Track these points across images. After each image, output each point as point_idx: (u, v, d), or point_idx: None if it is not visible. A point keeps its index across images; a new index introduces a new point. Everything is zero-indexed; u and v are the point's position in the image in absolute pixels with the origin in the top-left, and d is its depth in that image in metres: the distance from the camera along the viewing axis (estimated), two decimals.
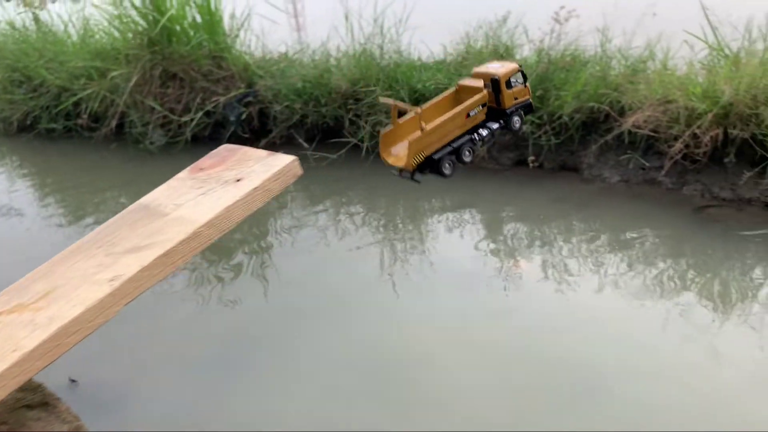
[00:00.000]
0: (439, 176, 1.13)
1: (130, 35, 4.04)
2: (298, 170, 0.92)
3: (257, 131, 3.90)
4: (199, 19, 3.93)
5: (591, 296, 2.45)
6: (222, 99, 3.82)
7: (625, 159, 3.16)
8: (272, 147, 3.92)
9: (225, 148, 0.98)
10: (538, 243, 2.91)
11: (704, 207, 2.99)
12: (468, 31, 3.60)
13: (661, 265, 2.62)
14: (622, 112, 3.10)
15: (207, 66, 3.88)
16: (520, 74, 1.27)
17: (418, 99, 3.56)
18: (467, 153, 1.19)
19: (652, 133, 3.03)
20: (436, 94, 3.49)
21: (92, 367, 2.06)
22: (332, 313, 2.45)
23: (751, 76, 2.79)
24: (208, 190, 0.86)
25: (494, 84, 1.22)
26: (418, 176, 1.19)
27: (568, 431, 1.56)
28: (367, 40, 3.65)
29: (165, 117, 3.94)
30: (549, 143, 3.28)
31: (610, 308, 2.37)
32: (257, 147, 3.97)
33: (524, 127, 3.30)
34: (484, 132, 1.23)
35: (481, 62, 3.42)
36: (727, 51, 3.01)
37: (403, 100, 3.51)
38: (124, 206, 3.38)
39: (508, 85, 1.22)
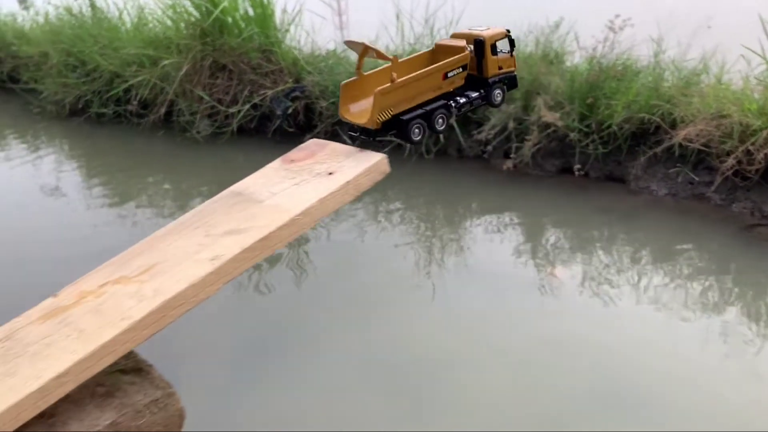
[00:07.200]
0: (405, 141, 0.95)
1: (182, 25, 4.11)
2: (387, 168, 0.93)
3: (302, 126, 3.94)
4: (251, 12, 3.98)
5: (629, 308, 2.42)
6: (269, 93, 3.87)
7: (673, 172, 3.13)
8: None
9: (314, 142, 1.00)
10: (578, 252, 2.90)
11: (753, 226, 2.94)
12: (518, 35, 3.58)
13: (705, 281, 2.59)
14: (673, 125, 3.07)
15: (256, 59, 3.93)
16: (507, 41, 1.07)
17: None
18: (440, 120, 1.00)
19: (703, 148, 2.99)
20: None
21: None
22: (362, 309, 2.48)
23: None
24: (301, 181, 0.88)
25: (478, 46, 1.03)
26: (381, 137, 0.98)
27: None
28: (417, 40, 3.67)
29: (213, 107, 4.01)
30: (596, 152, 3.26)
31: (648, 321, 2.35)
32: (302, 141, 4.03)
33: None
34: (461, 99, 1.03)
35: (530, 68, 3.42)
36: None
37: None
38: (167, 192, 3.46)
39: (494, 50, 1.04)
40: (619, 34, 3.25)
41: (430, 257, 2.88)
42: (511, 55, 1.08)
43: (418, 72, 0.97)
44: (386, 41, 3.78)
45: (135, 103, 4.20)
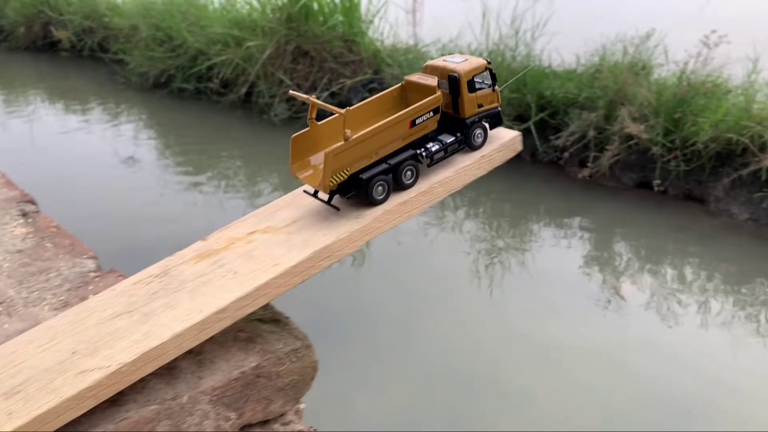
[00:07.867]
0: (368, 202, 0.82)
1: (269, 9, 4.20)
2: (519, 146, 0.93)
3: None
4: (337, 0, 4.04)
5: (694, 331, 2.36)
6: (348, 82, 3.92)
7: (758, 197, 3.02)
8: None
9: None
10: (648, 268, 2.84)
11: None
12: (605, 43, 3.52)
13: None
14: (762, 148, 2.97)
15: (339, 48, 3.99)
16: (487, 73, 0.90)
17: (544, 107, 3.53)
18: (408, 173, 0.83)
19: None
20: (565, 104, 3.47)
21: None
22: (417, 302, 2.50)
23: None
24: None
25: (452, 83, 0.87)
26: (337, 201, 0.84)
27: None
28: (501, 41, 3.65)
29: None
30: (678, 169, 3.18)
31: (714, 343, 2.30)
32: None
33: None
34: (434, 147, 0.86)
35: (615, 77, 3.35)
36: None
37: (528, 105, 3.48)
38: (239, 168, 3.52)
39: (471, 87, 0.87)
40: (713, 51, 3.16)
41: (492, 258, 2.87)
42: (494, 90, 0.91)
43: (377, 125, 0.81)
44: (470, 39, 3.78)
45: (216, 81, 4.31)
